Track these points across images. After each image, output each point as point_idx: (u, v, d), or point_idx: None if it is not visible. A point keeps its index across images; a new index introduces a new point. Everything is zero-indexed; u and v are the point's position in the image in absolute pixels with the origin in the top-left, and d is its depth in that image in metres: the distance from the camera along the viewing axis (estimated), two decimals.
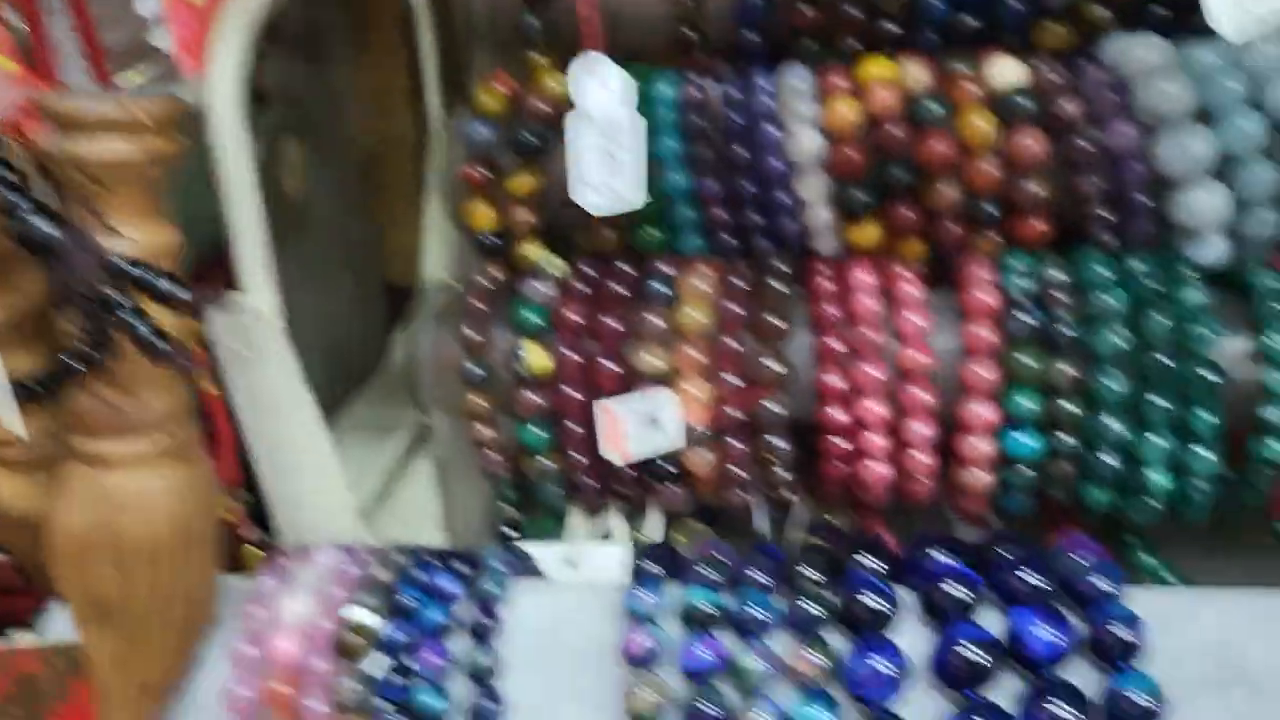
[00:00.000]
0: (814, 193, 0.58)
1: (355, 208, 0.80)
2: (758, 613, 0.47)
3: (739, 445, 0.57)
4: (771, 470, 0.57)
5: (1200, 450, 0.52)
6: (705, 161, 0.58)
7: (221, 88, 0.53)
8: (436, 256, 0.77)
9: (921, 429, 0.54)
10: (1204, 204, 0.53)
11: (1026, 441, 0.53)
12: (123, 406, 0.46)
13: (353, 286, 0.81)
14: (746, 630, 0.47)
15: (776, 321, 0.55)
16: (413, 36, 0.72)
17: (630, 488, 0.60)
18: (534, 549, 0.61)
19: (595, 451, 0.57)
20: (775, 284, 0.57)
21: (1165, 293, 0.52)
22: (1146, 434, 0.52)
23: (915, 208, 0.57)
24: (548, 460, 0.59)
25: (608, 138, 0.47)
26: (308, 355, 0.71)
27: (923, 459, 0.55)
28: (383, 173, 0.83)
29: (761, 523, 0.60)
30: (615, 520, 0.63)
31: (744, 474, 0.58)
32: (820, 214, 0.58)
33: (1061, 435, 0.53)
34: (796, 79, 0.58)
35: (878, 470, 0.56)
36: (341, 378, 0.79)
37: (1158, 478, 0.53)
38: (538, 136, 0.59)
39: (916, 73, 0.56)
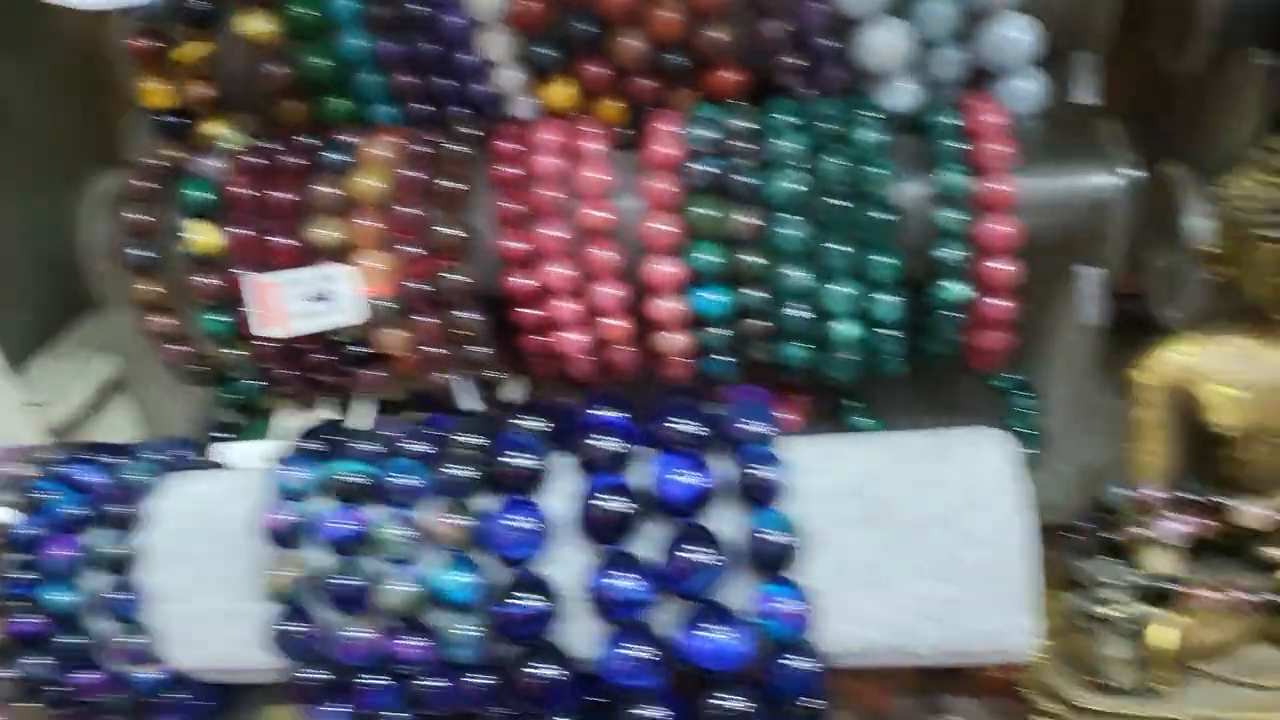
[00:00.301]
0: (499, 51, 0.54)
1: (75, 110, 0.75)
2: (403, 481, 0.44)
3: (430, 320, 0.54)
4: (468, 346, 0.55)
5: (882, 296, 0.50)
6: (384, 21, 0.55)
7: None
8: None
9: (609, 291, 0.52)
10: (884, 43, 0.51)
11: (713, 298, 0.51)
12: None
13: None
14: (392, 500, 0.44)
15: (455, 185, 0.52)
16: None
17: (326, 374, 0.56)
18: (240, 448, 0.58)
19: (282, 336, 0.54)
20: (457, 148, 0.53)
21: (842, 134, 0.50)
22: (828, 283, 0.50)
23: (604, 63, 0.54)
24: (236, 349, 0.56)
25: None
26: (16, 266, 0.66)
27: (616, 324, 0.53)
28: (109, 75, 0.77)
29: (471, 403, 0.57)
30: (325, 414, 0.60)
31: (440, 351, 0.55)
32: (508, 74, 0.55)
33: (748, 290, 0.51)
34: None
35: (573, 339, 0.53)
36: (71, 292, 0.74)
37: (844, 327, 0.51)
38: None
39: None
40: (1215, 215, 0.41)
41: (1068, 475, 0.54)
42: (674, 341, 0.53)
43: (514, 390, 0.58)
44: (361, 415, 0.58)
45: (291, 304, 0.51)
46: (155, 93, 0.57)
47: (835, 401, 0.59)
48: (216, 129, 0.57)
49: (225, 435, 0.61)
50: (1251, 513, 0.41)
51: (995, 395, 0.59)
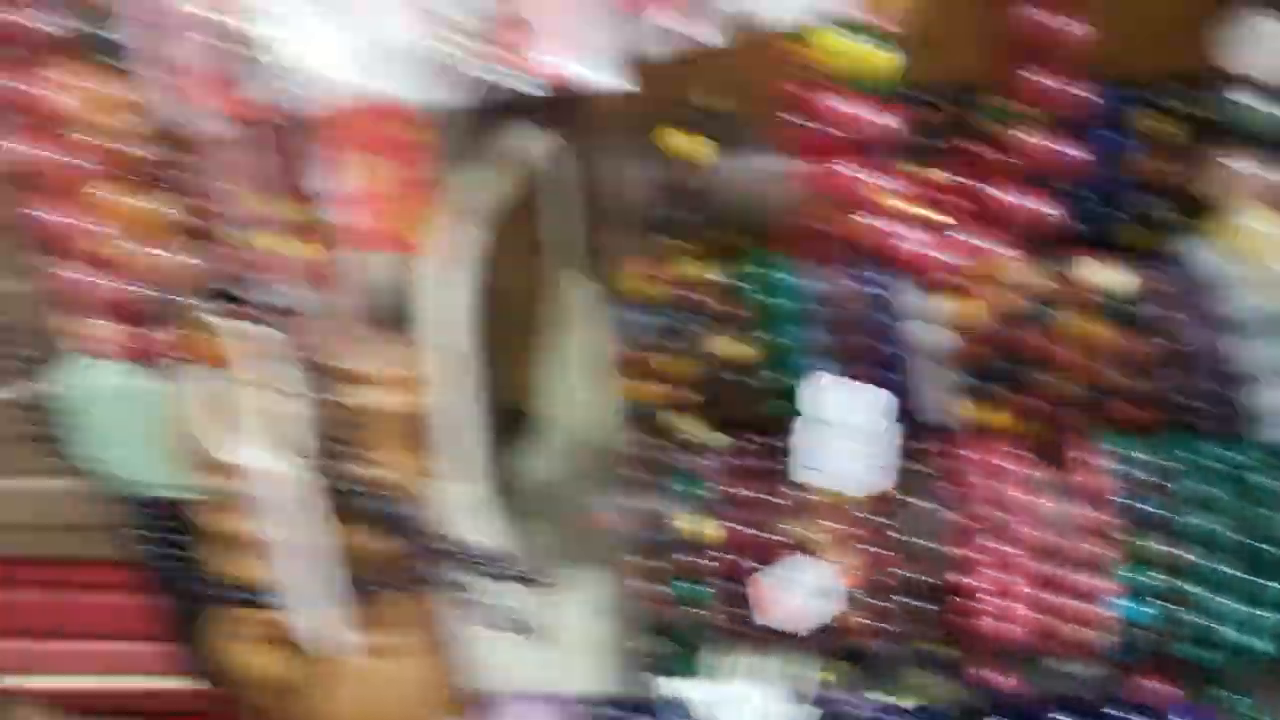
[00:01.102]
0: (938, 378, 0.66)
1: None
2: None
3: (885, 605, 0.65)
4: (906, 625, 0.65)
5: None
6: (829, 348, 0.67)
7: None
8: None
9: (1040, 595, 0.62)
10: None
11: (1139, 608, 0.61)
12: None
13: None
14: None
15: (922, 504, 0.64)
16: None
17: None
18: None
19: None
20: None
21: (1266, 485, 0.61)
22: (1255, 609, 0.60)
23: (1035, 395, 0.65)
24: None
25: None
26: None
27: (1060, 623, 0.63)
28: None
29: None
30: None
31: (888, 627, 0.66)
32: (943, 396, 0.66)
33: (1173, 606, 0.61)
34: None
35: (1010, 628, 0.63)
36: None
37: (1264, 645, 0.61)
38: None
39: (1037, 276, 0.64)
40: None
41: None
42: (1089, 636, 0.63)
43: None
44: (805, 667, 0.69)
45: (790, 598, 0.62)
46: (636, 388, 0.69)
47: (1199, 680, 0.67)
48: (687, 424, 0.69)
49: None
50: None
51: None
